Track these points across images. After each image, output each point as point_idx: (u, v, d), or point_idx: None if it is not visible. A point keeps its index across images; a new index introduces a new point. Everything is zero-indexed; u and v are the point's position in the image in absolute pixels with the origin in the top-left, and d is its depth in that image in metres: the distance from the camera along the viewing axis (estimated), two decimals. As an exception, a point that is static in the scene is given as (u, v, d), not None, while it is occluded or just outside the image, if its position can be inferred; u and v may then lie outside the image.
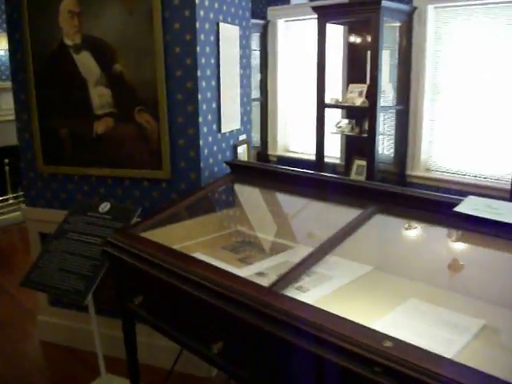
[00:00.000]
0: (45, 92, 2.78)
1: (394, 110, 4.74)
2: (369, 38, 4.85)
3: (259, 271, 2.03)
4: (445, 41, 4.63)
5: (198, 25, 2.43)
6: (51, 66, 2.73)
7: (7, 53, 5.79)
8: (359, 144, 5.04)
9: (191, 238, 2.34)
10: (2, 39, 5.66)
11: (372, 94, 4.45)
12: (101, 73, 2.61)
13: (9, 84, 5.74)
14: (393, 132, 4.89)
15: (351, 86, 4.94)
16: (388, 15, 4.37)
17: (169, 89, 2.49)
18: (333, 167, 5.25)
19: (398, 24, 4.67)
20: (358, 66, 5.01)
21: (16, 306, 3.70)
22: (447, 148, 4.74)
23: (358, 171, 5.01)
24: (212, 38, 2.57)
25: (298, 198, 2.41)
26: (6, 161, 5.49)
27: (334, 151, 5.26)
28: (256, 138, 6.05)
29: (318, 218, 2.38)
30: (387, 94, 4.70)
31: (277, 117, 6.18)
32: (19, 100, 2.90)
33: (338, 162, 5.32)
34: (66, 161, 2.81)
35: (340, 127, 4.89)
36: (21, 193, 5.74)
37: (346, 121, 4.88)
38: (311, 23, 5.44)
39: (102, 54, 2.59)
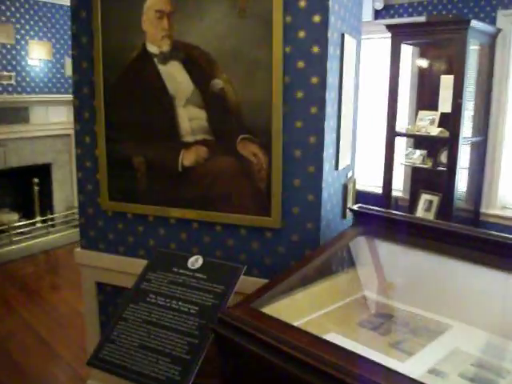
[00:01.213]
0: (117, 111, 2.17)
1: (470, 142, 4.17)
2: (442, 61, 4.31)
3: (431, 367, 1.44)
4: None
5: (329, 34, 1.85)
6: (128, 79, 2.13)
7: (44, 62, 5.44)
8: (428, 177, 4.47)
9: (314, 309, 1.74)
10: (40, 47, 5.08)
11: (454, 123, 3.88)
12: (194, 89, 2.01)
13: (42, 97, 5.27)
14: (467, 165, 4.31)
15: (421, 112, 4.39)
16: (472, 36, 3.82)
17: (286, 114, 1.90)
18: (395, 201, 4.65)
19: (477, 47, 4.12)
20: (428, 91, 4.45)
21: (54, 358, 3.04)
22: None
23: (425, 207, 4.42)
24: (338, 52, 1.98)
25: (449, 260, 1.83)
26: (36, 180, 4.85)
27: (397, 183, 4.67)
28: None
29: (477, 286, 1.79)
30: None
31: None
32: (81, 119, 2.29)
33: (400, 194, 4.72)
34: (138, 197, 2.20)
35: (411, 158, 4.31)
36: (50, 216, 5.10)
37: (418, 151, 4.30)
38: (372, 42, 4.92)
39: (197, 65, 2.00)
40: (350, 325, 1.73)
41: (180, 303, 1.82)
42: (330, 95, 1.92)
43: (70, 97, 5.75)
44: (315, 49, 1.84)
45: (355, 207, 1.97)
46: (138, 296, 1.91)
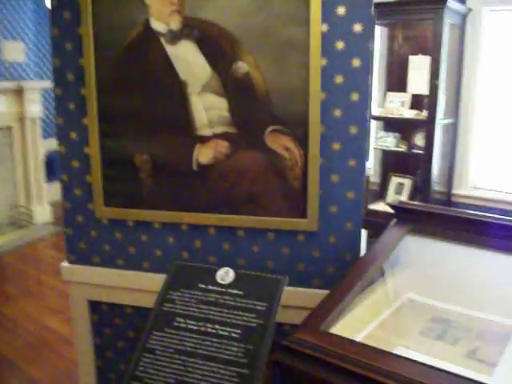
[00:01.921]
0: (113, 100, 1.81)
1: (442, 124, 4.13)
2: (412, 42, 4.23)
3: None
4: (499, 48, 4.09)
5: (372, 10, 1.61)
6: (126, 62, 1.78)
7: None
8: (398, 160, 4.42)
9: (369, 319, 1.55)
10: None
11: (430, 105, 3.80)
12: (212, 74, 1.71)
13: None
14: (439, 147, 4.28)
15: (390, 94, 4.30)
16: (448, 16, 3.73)
17: (323, 101, 1.65)
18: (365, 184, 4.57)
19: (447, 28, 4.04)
20: (397, 73, 4.37)
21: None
22: (497, 165, 4.22)
23: (397, 190, 4.36)
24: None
25: (502, 256, 1.70)
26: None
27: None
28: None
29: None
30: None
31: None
32: (64, 111, 1.90)
33: (370, 178, 4.64)
34: (142, 202, 1.86)
35: (384, 142, 4.21)
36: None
37: (391, 134, 4.20)
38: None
39: (215, 46, 1.69)
40: (411, 335, 1.55)
41: (217, 326, 1.55)
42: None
43: (10, 84, 5.22)
44: (357, 27, 1.60)
45: (396, 203, 1.78)
46: (162, 321, 1.60)
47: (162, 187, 1.84)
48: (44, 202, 5.19)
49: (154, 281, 1.83)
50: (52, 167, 5.48)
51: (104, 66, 1.79)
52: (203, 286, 1.65)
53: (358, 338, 1.34)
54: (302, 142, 1.68)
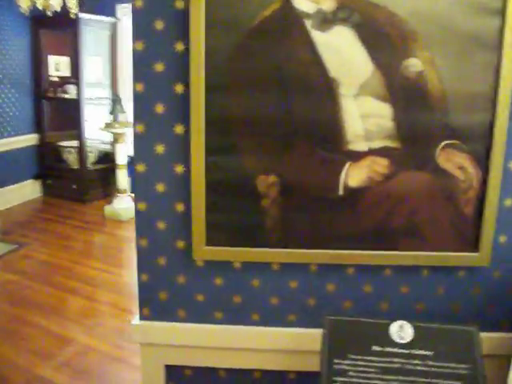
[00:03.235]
0: (228, 102, 1.31)
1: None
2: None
3: None
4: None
5: None
6: (251, 51, 1.29)
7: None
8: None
9: None
10: None
11: None
12: (374, 71, 1.29)
13: None
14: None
15: None
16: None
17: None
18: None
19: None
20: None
21: None
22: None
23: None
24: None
25: None
26: None
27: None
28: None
29: None
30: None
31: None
32: (147, 116, 1.35)
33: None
34: (260, 237, 1.39)
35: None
36: None
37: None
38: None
39: (381, 35, 1.28)
40: None
41: (420, 405, 1.17)
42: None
43: None
44: (552, 21, 1.31)
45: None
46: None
47: (290, 218, 1.38)
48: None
49: (266, 336, 1.42)
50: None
51: (216, 54, 1.29)
52: (378, 348, 1.26)
53: None
54: (481, 159, 1.35)
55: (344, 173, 1.35)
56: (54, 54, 5.60)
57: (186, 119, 1.34)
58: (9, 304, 3.29)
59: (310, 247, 1.40)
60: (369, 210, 1.37)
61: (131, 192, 5.15)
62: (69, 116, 5.58)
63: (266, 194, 1.36)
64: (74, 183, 5.53)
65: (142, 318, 1.48)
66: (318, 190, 1.36)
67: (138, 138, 1.37)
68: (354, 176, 1.35)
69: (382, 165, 1.35)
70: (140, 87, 1.34)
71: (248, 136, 1.33)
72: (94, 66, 5.49)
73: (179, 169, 1.38)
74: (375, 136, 1.33)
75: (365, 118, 1.32)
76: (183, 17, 1.28)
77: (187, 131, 1.34)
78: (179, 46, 1.30)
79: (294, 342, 1.46)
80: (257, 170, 1.35)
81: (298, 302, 1.47)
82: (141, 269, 1.46)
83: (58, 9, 3.83)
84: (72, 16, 4.34)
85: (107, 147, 5.83)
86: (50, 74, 5.61)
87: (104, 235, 4.75)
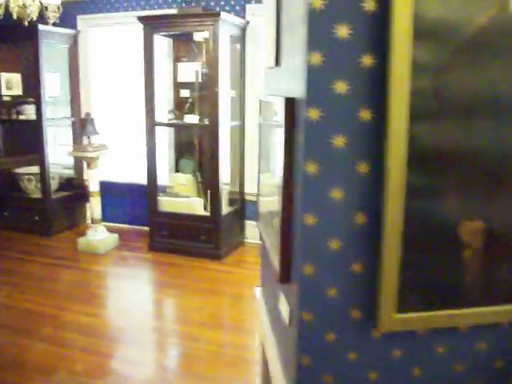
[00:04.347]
0: (433, 132, 1.02)
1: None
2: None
3: None
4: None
5: None
6: (467, 67, 1.00)
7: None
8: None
9: None
10: None
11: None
12: None
13: None
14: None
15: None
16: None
17: None
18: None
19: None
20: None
21: None
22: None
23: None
24: None
25: None
26: None
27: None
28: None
29: None
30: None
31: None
32: (321, 151, 1.02)
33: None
34: (455, 297, 1.10)
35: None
36: None
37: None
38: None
39: None
40: None
41: None
42: None
43: None
44: None
45: None
46: None
47: (492, 271, 1.11)
48: None
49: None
50: None
51: (423, 72, 0.99)
52: None
53: None
54: None
55: None
56: (3, 71, 4.94)
57: (370, 156, 1.03)
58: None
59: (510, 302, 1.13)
60: None
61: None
62: (25, 140, 4.93)
63: (468, 243, 1.08)
64: (36, 214, 4.87)
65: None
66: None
67: (308, 181, 1.03)
68: None
69: None
70: (314, 113, 1.00)
71: (452, 173, 1.05)
72: (51, 83, 4.90)
73: (359, 219, 1.06)
74: None
75: None
76: (373, 21, 0.97)
77: (372, 171, 1.03)
78: (366, 60, 0.99)
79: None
80: (460, 215, 1.06)
81: (485, 366, 1.20)
82: (302, 350, 1.11)
83: (35, 17, 3.31)
84: (26, 24, 3.69)
85: (70, 172, 5.24)
86: (1, 93, 4.93)
87: (82, 272, 4.18)
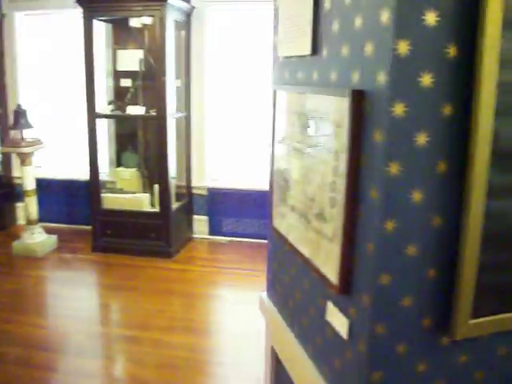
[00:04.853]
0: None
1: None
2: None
3: None
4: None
5: None
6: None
7: None
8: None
9: None
10: None
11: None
12: None
13: None
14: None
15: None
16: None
17: None
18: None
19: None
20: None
21: None
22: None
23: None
24: None
25: None
26: None
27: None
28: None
29: None
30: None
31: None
32: (403, 152, 0.92)
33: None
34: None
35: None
36: None
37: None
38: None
39: None
40: None
41: None
42: None
43: None
44: None
45: None
46: None
47: None
48: None
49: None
50: None
51: (509, 66, 0.93)
52: None
53: None
54: None
55: None
56: None
57: (451, 154, 0.95)
58: None
59: None
60: None
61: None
62: None
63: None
64: (-42, 217, 4.33)
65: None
66: None
67: (390, 184, 0.93)
68: None
69: None
70: (399, 109, 0.90)
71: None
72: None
73: (436, 222, 0.98)
74: None
75: None
76: (460, 8, 0.89)
77: (451, 170, 0.96)
78: (452, 51, 0.91)
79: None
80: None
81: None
82: (374, 365, 1.02)
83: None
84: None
85: (-5, 169, 4.71)
86: None
87: (20, 279, 3.78)
